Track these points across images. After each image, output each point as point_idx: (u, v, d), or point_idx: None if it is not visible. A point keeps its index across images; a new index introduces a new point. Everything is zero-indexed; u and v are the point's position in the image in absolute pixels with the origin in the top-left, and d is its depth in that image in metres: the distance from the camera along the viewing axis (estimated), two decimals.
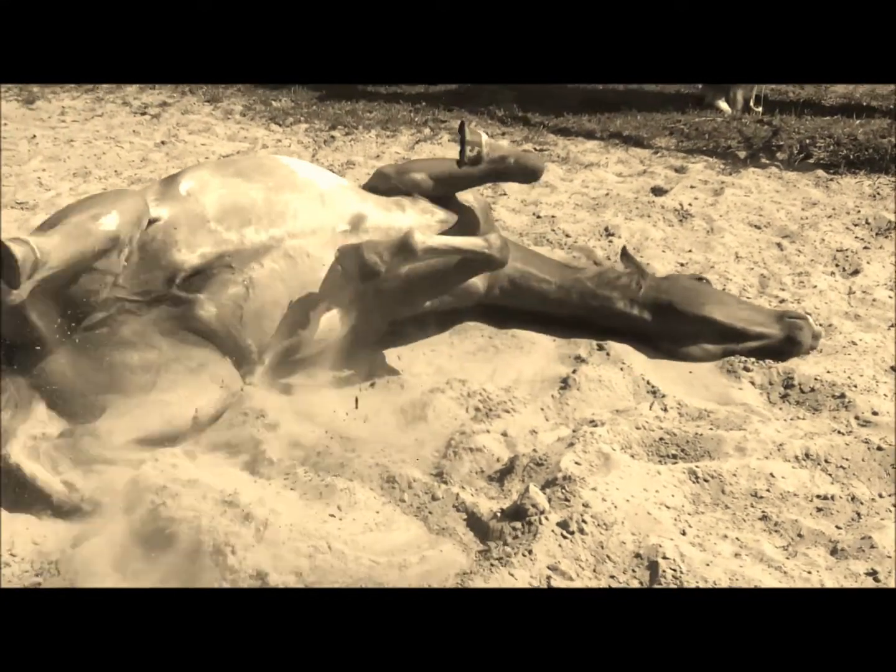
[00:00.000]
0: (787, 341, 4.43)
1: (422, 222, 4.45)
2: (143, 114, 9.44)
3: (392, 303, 4.47)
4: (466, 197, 4.71)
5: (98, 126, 9.03)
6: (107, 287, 3.88)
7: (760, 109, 8.53)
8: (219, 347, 4.04)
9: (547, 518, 3.21)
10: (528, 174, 4.67)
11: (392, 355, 4.57)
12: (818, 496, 3.37)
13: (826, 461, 3.57)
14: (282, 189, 4.24)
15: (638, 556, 3.04)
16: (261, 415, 4.09)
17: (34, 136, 8.63)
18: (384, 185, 4.60)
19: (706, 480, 3.48)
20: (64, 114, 9.46)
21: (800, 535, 3.19)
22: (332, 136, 8.49)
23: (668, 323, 4.55)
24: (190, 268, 4.00)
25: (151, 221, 4.00)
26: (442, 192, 4.61)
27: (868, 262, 5.46)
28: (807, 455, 3.60)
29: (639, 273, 4.67)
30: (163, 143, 8.43)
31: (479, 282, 4.66)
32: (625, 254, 4.83)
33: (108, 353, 3.87)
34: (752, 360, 4.36)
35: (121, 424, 3.67)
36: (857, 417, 3.89)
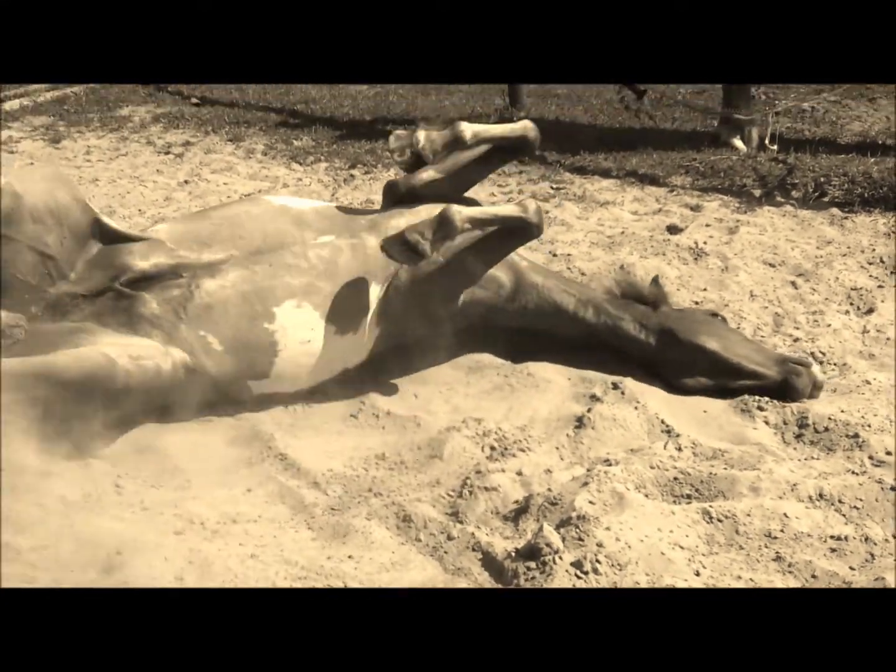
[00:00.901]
0: (783, 385, 4.42)
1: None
2: (167, 153, 9.57)
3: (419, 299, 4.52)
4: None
5: (122, 165, 9.16)
6: (46, 275, 4.01)
7: (775, 147, 8.58)
8: (156, 339, 4.08)
9: (561, 558, 3.24)
10: (519, 144, 4.76)
11: (408, 393, 4.62)
12: (832, 537, 3.39)
13: (840, 501, 3.59)
14: (258, 216, 4.37)
15: None
16: (280, 455, 4.16)
17: None
18: (394, 196, 4.73)
19: (720, 521, 3.51)
20: (89, 153, 9.60)
21: (814, 576, 3.21)
22: (352, 175, 8.59)
23: (668, 351, 4.62)
24: (139, 271, 4.13)
25: (107, 229, 4.18)
26: (453, 186, 4.72)
27: (882, 301, 5.49)
28: (820, 495, 3.62)
29: (659, 299, 4.73)
30: (186, 182, 8.55)
31: (504, 277, 4.67)
32: (655, 281, 4.89)
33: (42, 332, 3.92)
34: (767, 399, 4.39)
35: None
36: (870, 457, 3.91)
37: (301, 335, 4.28)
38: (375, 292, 4.45)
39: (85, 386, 3.73)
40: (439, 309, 4.57)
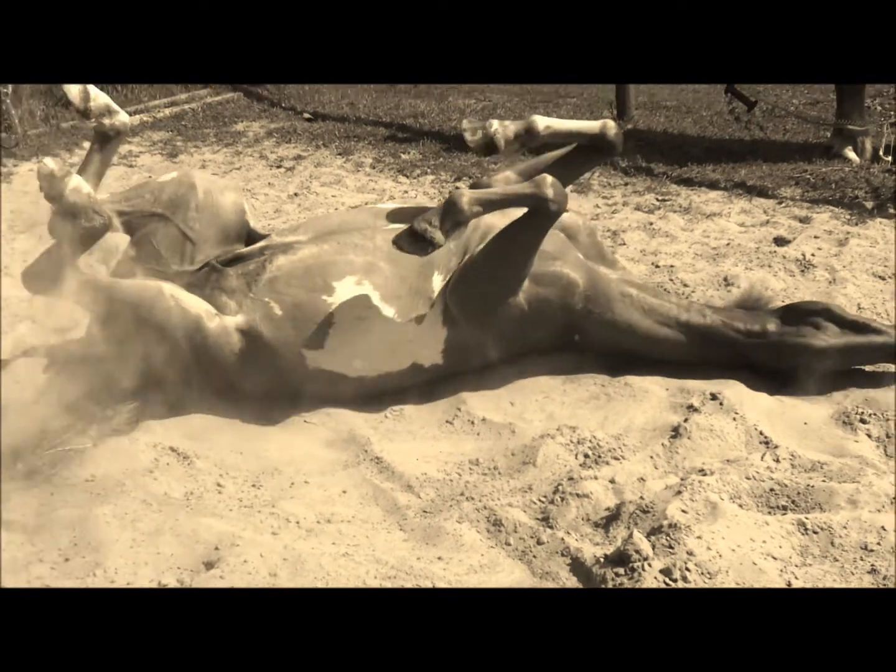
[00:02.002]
0: None
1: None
2: (279, 167, 9.79)
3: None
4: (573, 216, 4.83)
5: (236, 178, 9.42)
6: (178, 254, 4.66)
7: (890, 159, 8.36)
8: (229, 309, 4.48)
9: (650, 565, 3.23)
10: (597, 142, 4.67)
11: (504, 401, 4.65)
12: None
13: None
14: (341, 213, 4.68)
15: None
16: (376, 458, 4.24)
17: None
18: None
19: (815, 532, 3.44)
20: (204, 167, 9.89)
21: None
22: (457, 187, 8.67)
23: (787, 323, 4.58)
24: (236, 252, 4.66)
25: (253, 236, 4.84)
26: None
27: None
28: None
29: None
30: (295, 194, 8.74)
31: (575, 273, 4.61)
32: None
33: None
34: (870, 412, 4.29)
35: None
36: None
37: (356, 311, 4.40)
38: (438, 282, 4.50)
39: (130, 306, 4.31)
40: (495, 302, 4.51)
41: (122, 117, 4.64)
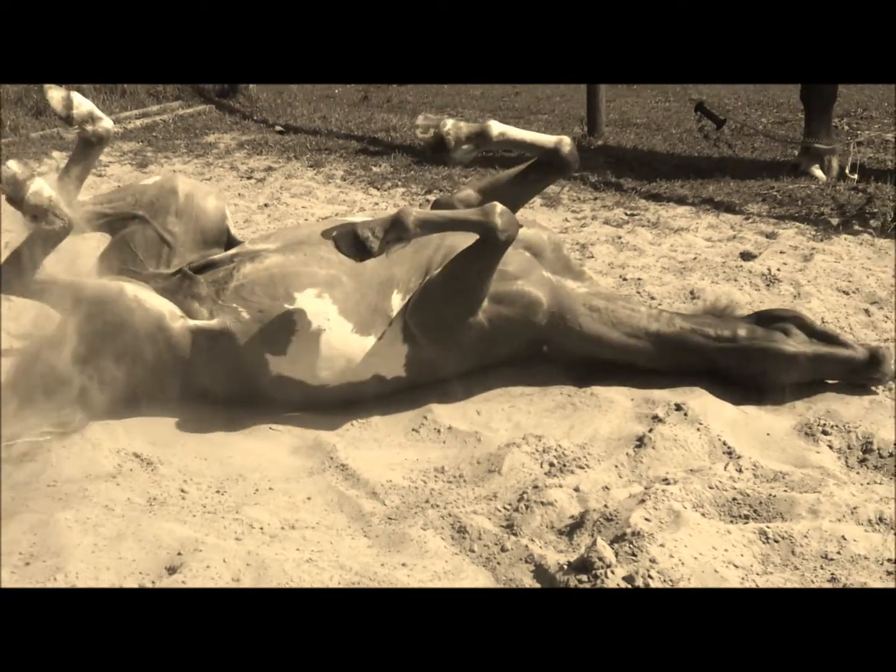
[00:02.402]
0: (872, 359, 4.51)
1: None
2: (250, 178, 9.78)
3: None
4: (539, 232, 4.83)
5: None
6: (155, 257, 4.69)
7: (856, 177, 8.46)
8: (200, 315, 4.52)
9: (613, 572, 3.24)
10: (552, 158, 4.65)
11: (470, 410, 4.66)
12: (889, 560, 3.33)
13: None
14: (311, 223, 4.69)
15: None
16: (341, 465, 4.24)
17: None
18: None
19: (776, 541, 3.47)
20: None
21: None
22: (428, 200, 8.68)
23: (760, 323, 4.65)
24: (208, 259, 4.67)
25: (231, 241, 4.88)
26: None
27: None
28: (881, 519, 3.57)
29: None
30: (266, 205, 8.73)
31: (538, 292, 4.60)
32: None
33: None
34: (832, 423, 4.33)
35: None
36: None
37: (317, 322, 4.43)
38: (397, 300, 4.52)
39: (90, 304, 4.31)
40: (454, 324, 4.51)
41: (106, 123, 4.62)
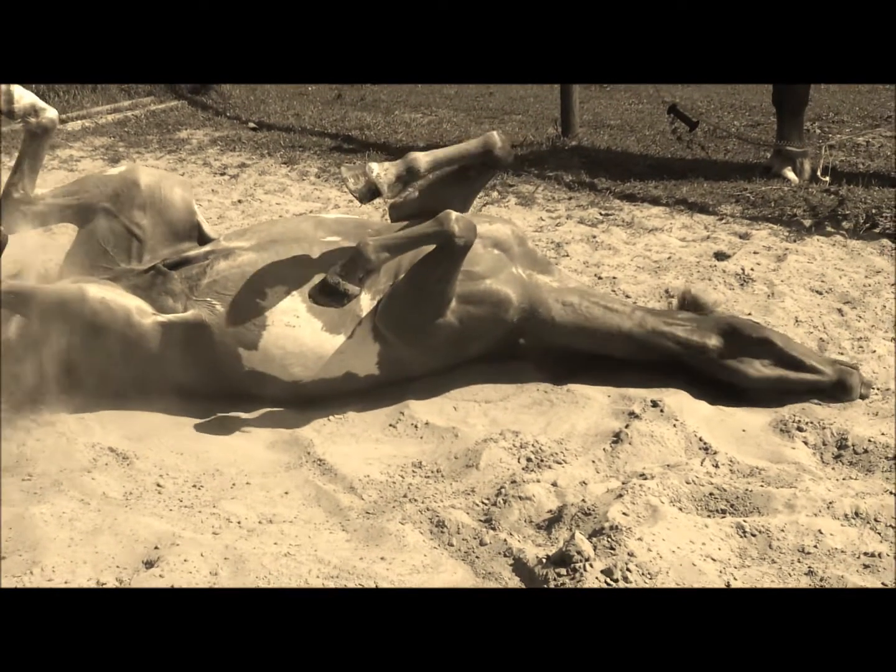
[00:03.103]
0: (838, 385, 4.55)
1: None
2: (223, 174, 9.72)
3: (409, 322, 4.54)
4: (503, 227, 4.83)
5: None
6: (126, 252, 4.64)
7: (828, 179, 8.54)
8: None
9: (591, 565, 3.26)
10: (487, 160, 4.62)
11: (448, 406, 4.66)
12: (866, 553, 3.36)
13: (875, 520, 3.56)
14: (286, 220, 4.77)
15: None
16: (318, 460, 4.22)
17: None
18: (393, 217, 4.88)
19: (754, 535, 3.50)
20: None
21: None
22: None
23: (728, 347, 4.63)
24: (182, 256, 4.62)
25: (202, 235, 4.82)
26: (444, 200, 4.63)
27: None
28: (856, 513, 3.60)
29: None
30: (239, 201, 8.69)
31: (508, 290, 4.61)
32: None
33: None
34: (807, 420, 4.37)
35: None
36: None
37: (286, 319, 4.46)
38: (366, 301, 4.52)
39: (53, 312, 4.26)
40: (423, 326, 4.53)
41: (50, 114, 4.54)
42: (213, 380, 4.53)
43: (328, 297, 4.19)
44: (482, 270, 4.59)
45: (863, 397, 4.57)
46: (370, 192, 4.43)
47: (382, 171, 4.43)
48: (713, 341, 4.66)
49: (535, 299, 4.69)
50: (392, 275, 4.56)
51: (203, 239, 4.81)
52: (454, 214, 4.26)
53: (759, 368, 4.58)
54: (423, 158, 4.50)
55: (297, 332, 4.46)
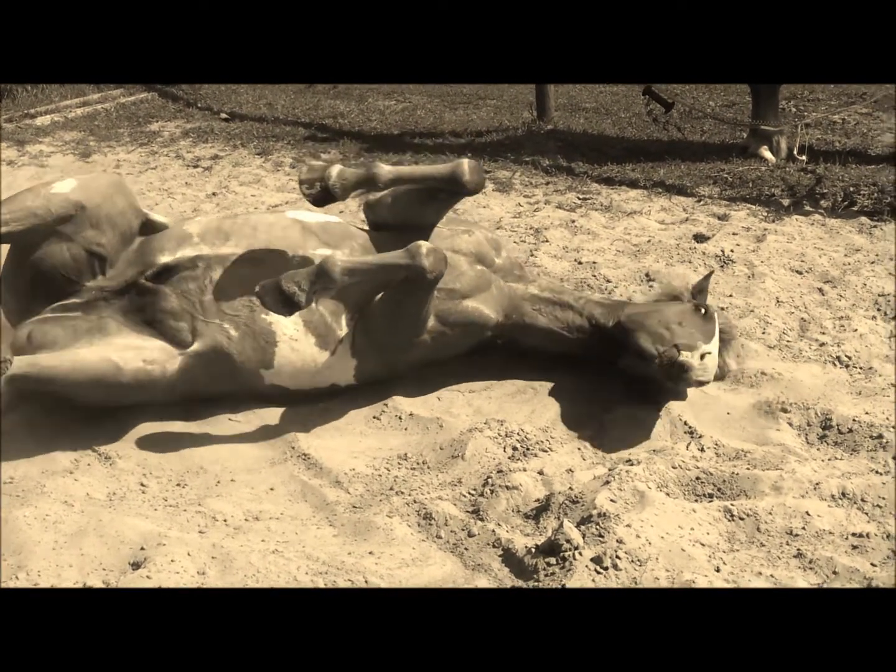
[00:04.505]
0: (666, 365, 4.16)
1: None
2: (196, 167, 9.64)
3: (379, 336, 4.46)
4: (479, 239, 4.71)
5: (152, 178, 9.25)
6: (89, 270, 4.36)
7: (804, 158, 8.55)
8: (164, 335, 4.31)
9: (581, 553, 3.25)
10: (452, 186, 4.44)
11: (431, 397, 4.63)
12: (854, 534, 3.37)
13: (862, 500, 3.57)
14: (273, 224, 4.50)
15: None
16: (303, 455, 4.20)
17: None
18: (367, 218, 4.76)
19: (741, 518, 3.50)
20: (119, 167, 9.70)
21: (835, 573, 3.19)
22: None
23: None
24: (163, 264, 4.36)
25: (153, 224, 4.55)
26: (414, 214, 4.57)
27: None
28: (843, 494, 3.61)
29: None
30: (214, 194, 8.61)
31: (488, 310, 4.54)
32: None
33: (68, 322, 4.30)
34: (791, 401, 4.37)
35: (25, 360, 4.03)
36: (895, 458, 3.89)
37: (289, 332, 4.38)
38: (345, 319, 4.44)
39: (86, 387, 4.11)
40: (401, 347, 4.50)
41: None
42: (228, 392, 4.51)
43: (277, 302, 4.01)
44: (463, 289, 4.51)
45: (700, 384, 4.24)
46: (324, 198, 4.38)
47: (339, 180, 4.36)
48: (611, 324, 4.53)
49: (514, 307, 4.64)
50: (368, 294, 4.43)
51: (155, 227, 4.57)
52: (425, 247, 4.11)
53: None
54: (385, 172, 4.41)
55: (301, 347, 4.40)
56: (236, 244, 4.42)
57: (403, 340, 4.47)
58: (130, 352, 4.17)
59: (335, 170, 4.38)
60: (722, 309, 5.41)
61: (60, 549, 3.43)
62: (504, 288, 4.65)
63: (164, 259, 4.38)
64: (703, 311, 4.35)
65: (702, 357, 4.11)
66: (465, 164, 4.45)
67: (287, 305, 4.01)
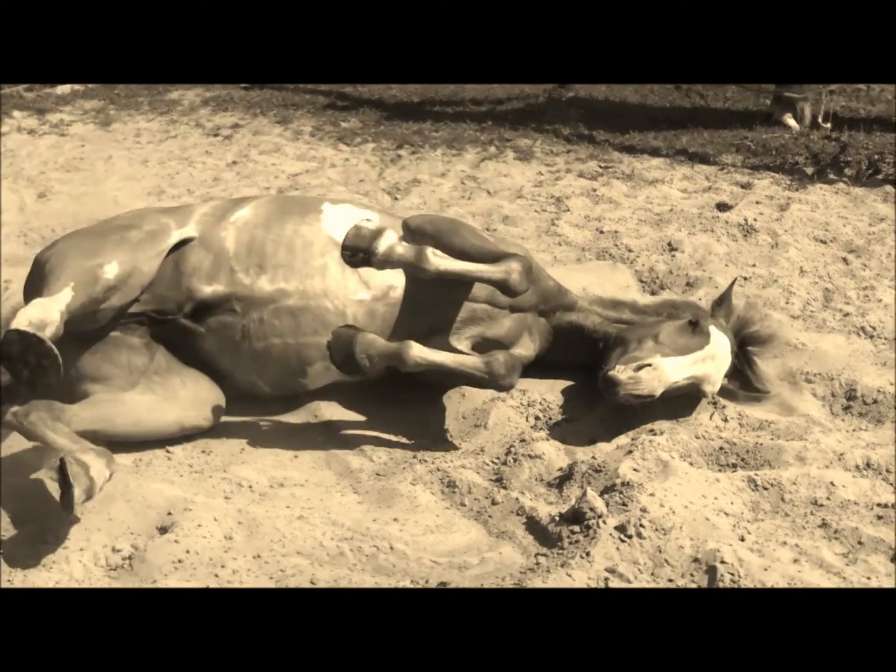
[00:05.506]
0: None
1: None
2: (216, 135, 9.64)
3: None
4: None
5: (172, 147, 9.25)
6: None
7: (829, 125, 8.48)
8: (211, 376, 4.23)
9: (605, 522, 3.25)
10: (494, 284, 4.11)
11: None
12: (879, 504, 3.36)
13: (887, 471, 3.56)
14: (309, 245, 4.26)
15: (696, 560, 3.06)
16: (326, 423, 4.21)
17: (110, 157, 8.87)
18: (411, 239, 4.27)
19: (766, 488, 3.49)
20: (139, 136, 9.70)
21: (860, 543, 3.18)
22: (399, 155, 8.61)
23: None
24: (200, 299, 4.17)
25: (186, 241, 4.25)
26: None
27: None
28: (868, 464, 3.60)
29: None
30: (234, 162, 8.62)
31: (525, 352, 4.44)
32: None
33: (103, 348, 4.15)
34: (815, 371, 4.35)
35: (87, 412, 3.88)
36: None
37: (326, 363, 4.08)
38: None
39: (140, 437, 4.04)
40: None
41: None
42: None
43: (345, 364, 3.86)
44: (504, 337, 4.41)
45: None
46: (363, 261, 3.95)
47: (388, 251, 3.92)
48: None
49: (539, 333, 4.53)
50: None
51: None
52: (502, 359, 3.96)
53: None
54: (435, 262, 3.96)
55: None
56: (272, 278, 4.17)
57: None
58: (192, 411, 4.12)
59: (384, 243, 3.92)
60: (746, 279, 5.38)
61: (88, 514, 3.45)
62: (532, 324, 4.52)
63: (203, 291, 4.17)
64: (691, 325, 4.15)
65: (637, 369, 3.91)
66: (517, 266, 4.05)
67: (352, 370, 3.88)
